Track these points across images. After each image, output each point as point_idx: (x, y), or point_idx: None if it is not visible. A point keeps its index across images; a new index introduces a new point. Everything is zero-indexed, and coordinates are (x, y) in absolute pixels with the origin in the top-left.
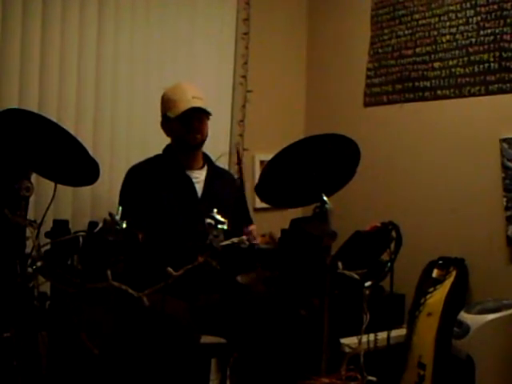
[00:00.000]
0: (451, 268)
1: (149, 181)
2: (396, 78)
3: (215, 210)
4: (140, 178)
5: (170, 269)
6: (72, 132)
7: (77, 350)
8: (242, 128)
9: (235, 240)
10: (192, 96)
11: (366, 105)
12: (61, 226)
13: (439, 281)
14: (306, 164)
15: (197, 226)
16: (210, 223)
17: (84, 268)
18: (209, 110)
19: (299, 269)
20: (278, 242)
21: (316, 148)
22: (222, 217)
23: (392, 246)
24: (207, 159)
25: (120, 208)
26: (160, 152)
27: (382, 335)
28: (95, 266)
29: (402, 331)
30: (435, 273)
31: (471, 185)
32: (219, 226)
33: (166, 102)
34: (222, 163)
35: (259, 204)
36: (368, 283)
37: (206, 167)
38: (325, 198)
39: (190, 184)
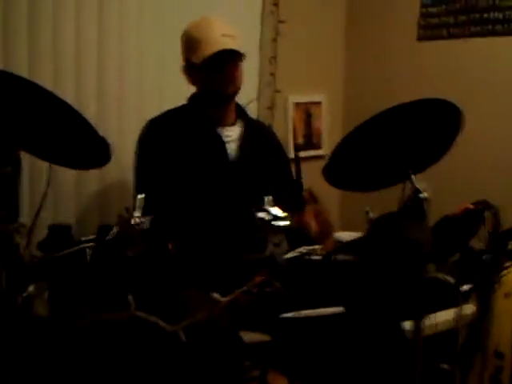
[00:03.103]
0: None
1: (171, 139)
2: (460, 7)
3: (268, 199)
4: (160, 134)
5: (216, 295)
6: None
7: None
8: (274, 66)
9: (304, 250)
10: (222, 34)
11: (421, 38)
12: (60, 233)
13: None
14: (390, 137)
15: (230, 202)
16: (263, 219)
17: (95, 292)
18: (242, 51)
19: (389, 284)
20: (361, 251)
21: (404, 118)
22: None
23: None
24: (241, 112)
25: (141, 197)
26: (184, 102)
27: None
28: (111, 290)
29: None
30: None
31: None
32: (277, 224)
33: (189, 43)
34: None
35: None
36: (466, 287)
37: (239, 122)
38: (414, 181)
39: (220, 146)
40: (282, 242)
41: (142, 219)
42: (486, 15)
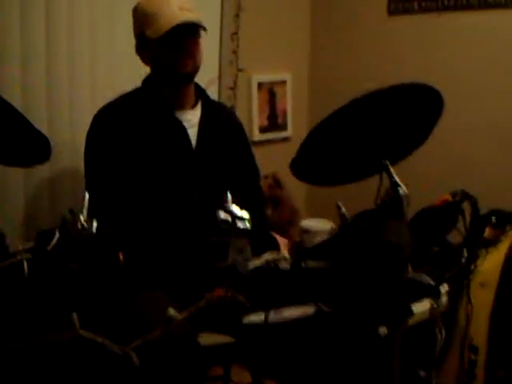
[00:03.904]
0: (508, 227)
1: (124, 128)
2: None
3: (230, 197)
4: (111, 124)
5: (171, 310)
6: None
7: None
8: (236, 43)
9: (270, 258)
10: (178, 7)
11: (391, 13)
12: None
13: (493, 242)
14: (364, 126)
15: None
16: (225, 220)
17: (34, 310)
18: (204, 24)
19: (366, 288)
20: (333, 255)
21: (378, 105)
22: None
23: None
24: (201, 93)
25: (87, 195)
26: (138, 86)
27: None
28: (51, 307)
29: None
30: (487, 232)
31: None
32: (240, 225)
33: (143, 17)
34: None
35: (258, 136)
36: (444, 288)
37: (199, 105)
38: (392, 173)
39: (182, 132)
40: (245, 247)
41: (88, 223)
42: None
